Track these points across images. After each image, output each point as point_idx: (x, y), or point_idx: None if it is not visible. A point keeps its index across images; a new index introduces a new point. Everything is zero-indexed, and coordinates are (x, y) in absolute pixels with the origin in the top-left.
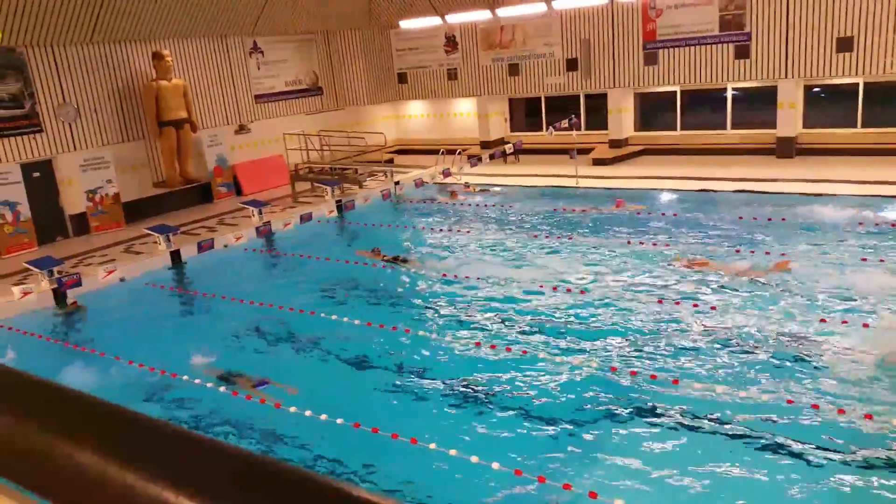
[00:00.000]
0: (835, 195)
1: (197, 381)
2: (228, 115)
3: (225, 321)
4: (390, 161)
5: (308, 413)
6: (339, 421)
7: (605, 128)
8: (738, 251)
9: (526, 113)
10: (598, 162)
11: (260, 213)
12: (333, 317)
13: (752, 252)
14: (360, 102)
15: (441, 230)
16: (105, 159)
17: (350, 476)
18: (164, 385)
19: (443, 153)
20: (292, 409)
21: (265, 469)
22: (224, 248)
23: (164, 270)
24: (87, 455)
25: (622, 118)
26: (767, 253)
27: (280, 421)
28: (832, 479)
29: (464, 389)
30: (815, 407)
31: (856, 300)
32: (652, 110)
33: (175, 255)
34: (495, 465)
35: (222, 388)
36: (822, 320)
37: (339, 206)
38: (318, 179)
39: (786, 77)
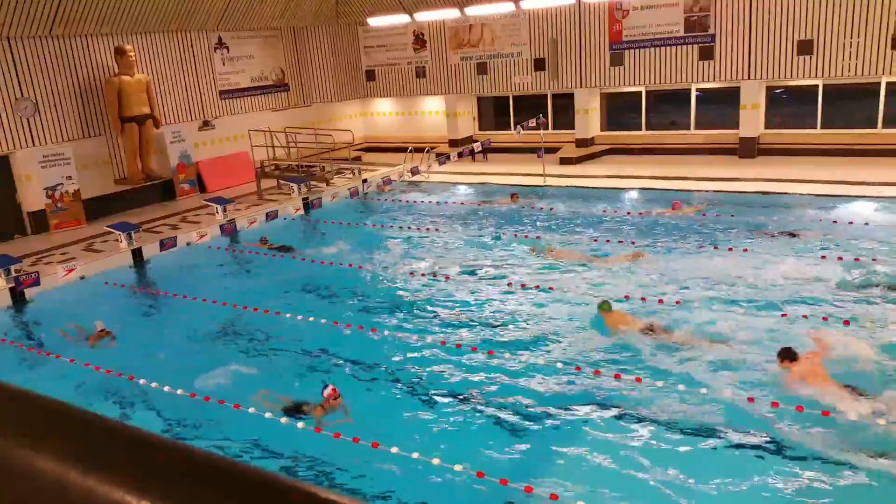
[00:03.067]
0: (786, 193)
1: (153, 384)
2: (192, 110)
3: (185, 321)
4: (358, 159)
5: (194, 395)
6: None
7: (572, 127)
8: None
9: (494, 112)
10: (564, 161)
11: (224, 210)
12: (299, 317)
13: (634, 243)
14: (328, 99)
15: (409, 228)
16: (65, 155)
17: (310, 477)
18: (118, 386)
19: (411, 151)
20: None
21: (229, 471)
22: (187, 245)
23: (126, 269)
24: (46, 460)
25: (588, 118)
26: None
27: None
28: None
29: (430, 390)
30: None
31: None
32: (620, 110)
33: (137, 254)
34: (458, 467)
35: (179, 391)
36: (643, 298)
37: (306, 204)
38: (284, 177)
39: (749, 78)
